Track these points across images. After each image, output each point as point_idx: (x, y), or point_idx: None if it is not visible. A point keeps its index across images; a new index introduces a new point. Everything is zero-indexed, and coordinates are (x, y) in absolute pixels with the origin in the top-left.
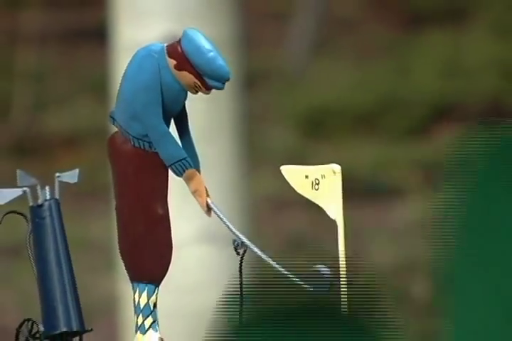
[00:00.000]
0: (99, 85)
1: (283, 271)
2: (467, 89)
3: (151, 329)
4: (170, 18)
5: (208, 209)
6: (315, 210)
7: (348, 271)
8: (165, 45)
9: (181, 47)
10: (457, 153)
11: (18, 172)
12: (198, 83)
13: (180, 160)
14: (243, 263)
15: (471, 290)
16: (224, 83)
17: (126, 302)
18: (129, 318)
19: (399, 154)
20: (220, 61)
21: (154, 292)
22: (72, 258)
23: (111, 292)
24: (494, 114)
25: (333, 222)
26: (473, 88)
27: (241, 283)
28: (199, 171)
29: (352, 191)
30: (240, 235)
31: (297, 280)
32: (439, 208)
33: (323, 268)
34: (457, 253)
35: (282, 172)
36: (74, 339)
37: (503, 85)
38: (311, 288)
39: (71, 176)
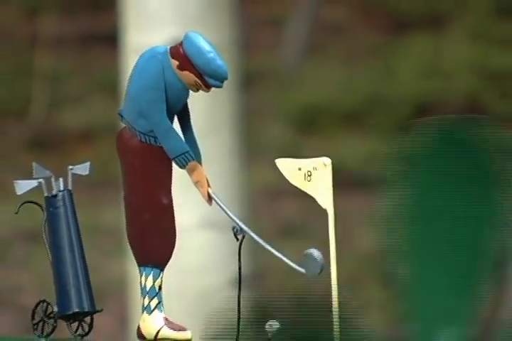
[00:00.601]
0: (110, 85)
1: (278, 254)
2: (446, 89)
3: (156, 310)
4: (174, 23)
5: (209, 199)
6: (307, 200)
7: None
8: (168, 47)
9: (183, 49)
10: (400, 151)
11: (34, 164)
12: (199, 82)
13: (183, 154)
14: (241, 248)
15: (422, 265)
16: (223, 82)
17: (135, 285)
18: (138, 299)
19: (385, 148)
20: (219, 61)
21: (159, 275)
22: (85, 243)
23: (121, 274)
24: (470, 111)
25: (324, 211)
26: (451, 88)
27: (239, 267)
28: (201, 163)
29: (341, 182)
30: (239, 222)
31: (290, 263)
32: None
33: (315, 252)
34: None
35: (277, 164)
36: (85, 318)
37: (478, 85)
38: (303, 271)
39: (83, 169)
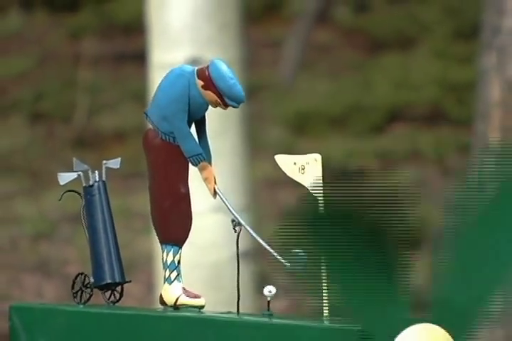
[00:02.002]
0: (139, 95)
1: (267, 247)
2: (413, 98)
3: (175, 281)
4: (191, 44)
5: (214, 193)
6: (301, 189)
7: None
8: (196, 68)
9: (208, 72)
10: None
11: (74, 160)
12: (219, 101)
13: (197, 155)
14: (239, 238)
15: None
16: (239, 104)
17: (159, 259)
18: (161, 271)
19: (363, 146)
20: (239, 87)
21: (178, 252)
22: (118, 224)
23: (147, 250)
24: (433, 117)
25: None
26: (417, 97)
27: (238, 255)
28: (210, 164)
29: (329, 175)
30: (238, 216)
31: (278, 257)
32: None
33: (300, 252)
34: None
35: (276, 160)
36: (117, 288)
37: (439, 95)
38: (288, 265)
39: (115, 163)
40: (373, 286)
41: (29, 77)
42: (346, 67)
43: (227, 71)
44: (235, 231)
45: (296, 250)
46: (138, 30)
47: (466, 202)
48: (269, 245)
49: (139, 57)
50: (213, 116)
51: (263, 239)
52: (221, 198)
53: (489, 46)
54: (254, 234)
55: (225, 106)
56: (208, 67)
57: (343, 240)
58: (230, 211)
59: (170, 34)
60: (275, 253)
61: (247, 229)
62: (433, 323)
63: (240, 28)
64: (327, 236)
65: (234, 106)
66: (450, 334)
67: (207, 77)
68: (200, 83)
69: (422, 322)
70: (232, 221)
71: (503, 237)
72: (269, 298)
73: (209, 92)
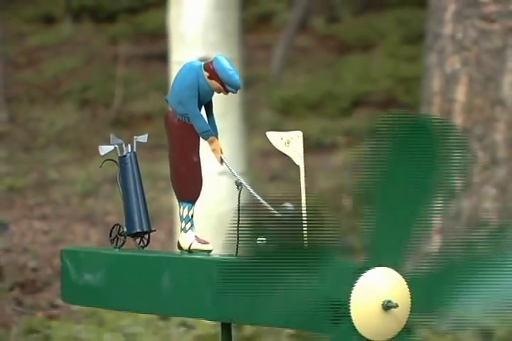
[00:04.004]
0: (162, 86)
1: (264, 202)
2: (372, 89)
3: (189, 230)
4: (202, 48)
5: (221, 161)
6: (287, 159)
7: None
8: (202, 63)
9: (213, 66)
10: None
11: (111, 135)
12: (221, 88)
13: (206, 131)
14: (241, 195)
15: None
16: (237, 90)
17: (177, 212)
18: (178, 222)
19: (334, 125)
20: (236, 77)
21: (192, 207)
22: (146, 185)
23: (169, 205)
24: (388, 103)
25: (297, 166)
26: (375, 88)
27: (238, 209)
28: (217, 137)
29: (308, 147)
30: (239, 178)
31: (272, 209)
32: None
33: (289, 205)
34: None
35: (267, 135)
36: (145, 235)
37: (392, 86)
38: (280, 215)
39: (143, 138)
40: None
41: (78, 72)
42: (321, 65)
43: (227, 64)
44: (238, 190)
45: (286, 203)
46: (161, 36)
47: (382, 165)
48: (263, 199)
49: (162, 57)
50: (218, 100)
51: (259, 195)
52: (226, 165)
53: (431, 48)
54: (252, 191)
55: (226, 92)
56: (212, 61)
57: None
58: (234, 174)
59: (185, 39)
60: (269, 206)
61: (247, 188)
62: (373, 264)
63: (239, 34)
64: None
65: (233, 92)
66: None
67: (211, 69)
68: (207, 74)
69: (368, 267)
70: (235, 182)
71: (412, 192)
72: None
73: (213, 81)
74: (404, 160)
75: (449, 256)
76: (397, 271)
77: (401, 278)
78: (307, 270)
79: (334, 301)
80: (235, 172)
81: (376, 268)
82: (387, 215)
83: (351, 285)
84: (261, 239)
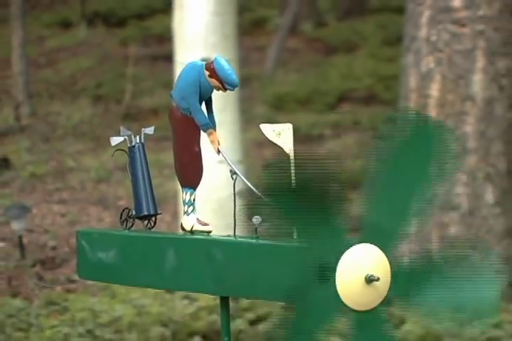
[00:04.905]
0: (168, 83)
1: (254, 189)
2: (355, 86)
3: (191, 213)
4: (203, 49)
5: (218, 152)
6: (278, 148)
7: None
8: (204, 63)
9: (213, 65)
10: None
11: (121, 128)
12: (220, 86)
13: (206, 124)
14: (235, 183)
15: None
16: (234, 88)
17: (180, 197)
18: (182, 206)
19: (321, 119)
20: (234, 76)
21: (193, 192)
22: (153, 172)
23: (174, 191)
24: (369, 99)
25: (287, 154)
26: (358, 85)
27: (234, 195)
28: (215, 130)
29: (296, 138)
30: (234, 167)
31: (261, 196)
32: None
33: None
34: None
35: (261, 127)
36: (152, 218)
37: (374, 84)
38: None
39: (150, 130)
40: (319, 224)
41: (92, 71)
42: (309, 65)
43: (226, 64)
44: (232, 179)
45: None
46: (167, 39)
47: (383, 152)
48: (255, 188)
49: (168, 58)
50: (217, 97)
51: (252, 183)
52: (222, 155)
53: (408, 50)
54: (245, 180)
55: (225, 89)
56: (212, 61)
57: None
58: (229, 164)
59: (188, 42)
60: (259, 193)
61: (240, 177)
62: (365, 241)
63: (236, 37)
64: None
65: (231, 90)
66: (380, 249)
67: (211, 69)
68: (207, 73)
69: (358, 241)
70: (230, 171)
71: (413, 177)
72: (256, 225)
73: (213, 80)
74: (407, 154)
75: (431, 252)
76: (384, 252)
77: (384, 256)
78: (315, 218)
79: (324, 263)
80: (230, 162)
81: (364, 244)
82: (386, 200)
83: (341, 254)
84: (256, 218)
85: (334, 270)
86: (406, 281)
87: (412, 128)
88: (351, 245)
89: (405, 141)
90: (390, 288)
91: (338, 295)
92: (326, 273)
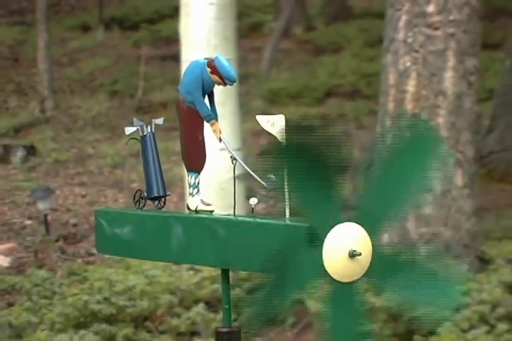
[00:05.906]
0: (175, 80)
1: (255, 176)
2: (341, 82)
3: (196, 195)
4: (206, 50)
5: (220, 140)
6: (272, 137)
7: None
8: (206, 61)
9: (214, 63)
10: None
11: (134, 119)
12: (221, 81)
13: (208, 115)
14: (235, 167)
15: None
16: (233, 83)
17: (186, 180)
18: (187, 188)
19: (310, 112)
20: (233, 72)
21: (198, 176)
22: (163, 158)
23: (181, 174)
24: (353, 94)
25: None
26: (343, 82)
27: (234, 178)
28: (217, 120)
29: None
30: (234, 154)
31: (261, 182)
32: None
33: (272, 176)
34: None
35: (257, 119)
36: (162, 199)
37: (357, 80)
38: (265, 184)
39: (159, 121)
40: (317, 195)
41: (109, 70)
42: (300, 64)
43: (226, 62)
44: (233, 163)
45: (270, 175)
46: (174, 41)
47: (381, 145)
48: (253, 172)
49: (175, 57)
50: (218, 91)
51: (250, 168)
52: (224, 143)
53: (387, 50)
54: (244, 165)
55: (225, 84)
56: (213, 60)
57: (300, 166)
58: (229, 151)
59: (193, 43)
60: (260, 180)
61: (239, 162)
62: (355, 221)
63: (235, 39)
64: (290, 165)
65: (230, 85)
66: (366, 231)
67: (213, 66)
68: (209, 70)
69: (348, 220)
70: (231, 157)
71: (406, 165)
72: (253, 205)
73: (214, 76)
74: (406, 150)
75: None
76: (369, 234)
77: (368, 237)
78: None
79: (314, 230)
80: (230, 149)
81: (352, 223)
82: (379, 188)
83: (331, 227)
84: (253, 200)
85: (322, 241)
86: (382, 266)
87: (412, 129)
88: (341, 222)
89: (407, 141)
90: (369, 267)
91: (321, 264)
92: (315, 241)
